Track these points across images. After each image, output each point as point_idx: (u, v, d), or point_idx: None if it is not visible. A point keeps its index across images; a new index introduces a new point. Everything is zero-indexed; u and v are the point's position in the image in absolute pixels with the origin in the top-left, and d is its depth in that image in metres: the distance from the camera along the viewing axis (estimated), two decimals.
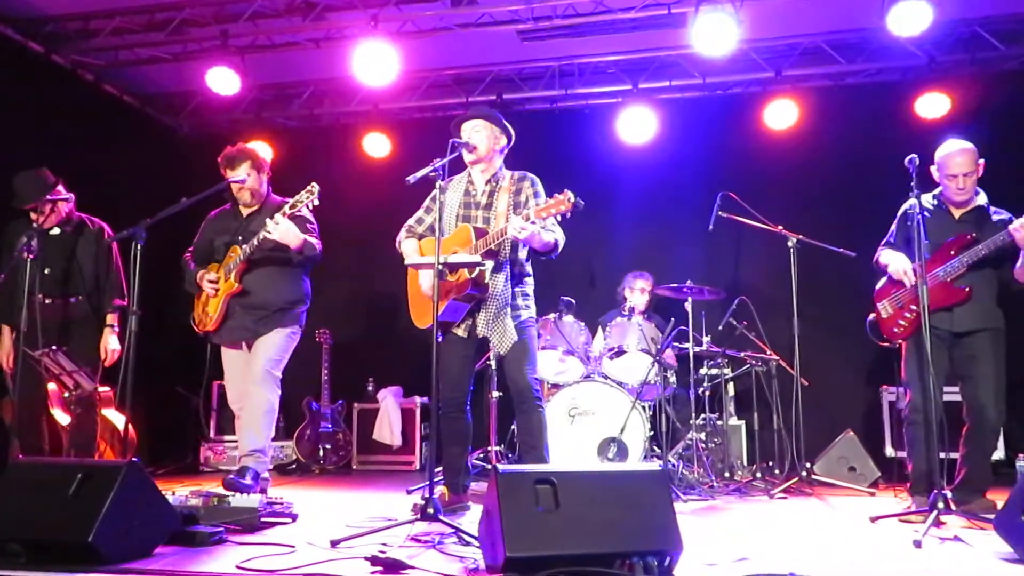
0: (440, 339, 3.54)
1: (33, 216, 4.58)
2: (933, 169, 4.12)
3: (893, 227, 4.31)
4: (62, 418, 4.62)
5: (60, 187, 4.66)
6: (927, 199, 4.17)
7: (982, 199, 4.11)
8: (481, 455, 5.66)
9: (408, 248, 4.10)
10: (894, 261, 4.14)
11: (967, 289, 3.96)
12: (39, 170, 4.61)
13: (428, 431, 6.64)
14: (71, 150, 4.77)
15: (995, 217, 4.07)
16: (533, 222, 3.51)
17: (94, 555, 2.56)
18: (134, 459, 2.84)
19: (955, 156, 4.01)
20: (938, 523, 3.33)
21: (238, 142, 4.51)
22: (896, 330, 4.16)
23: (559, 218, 3.49)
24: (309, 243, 4.22)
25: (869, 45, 6.29)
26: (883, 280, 4.27)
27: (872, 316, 4.29)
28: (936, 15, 5.31)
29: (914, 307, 4.03)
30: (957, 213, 4.12)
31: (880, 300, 4.24)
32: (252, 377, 4.25)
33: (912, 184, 3.77)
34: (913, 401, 4.06)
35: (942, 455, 3.75)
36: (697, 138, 6.73)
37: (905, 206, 4.19)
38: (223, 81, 6.18)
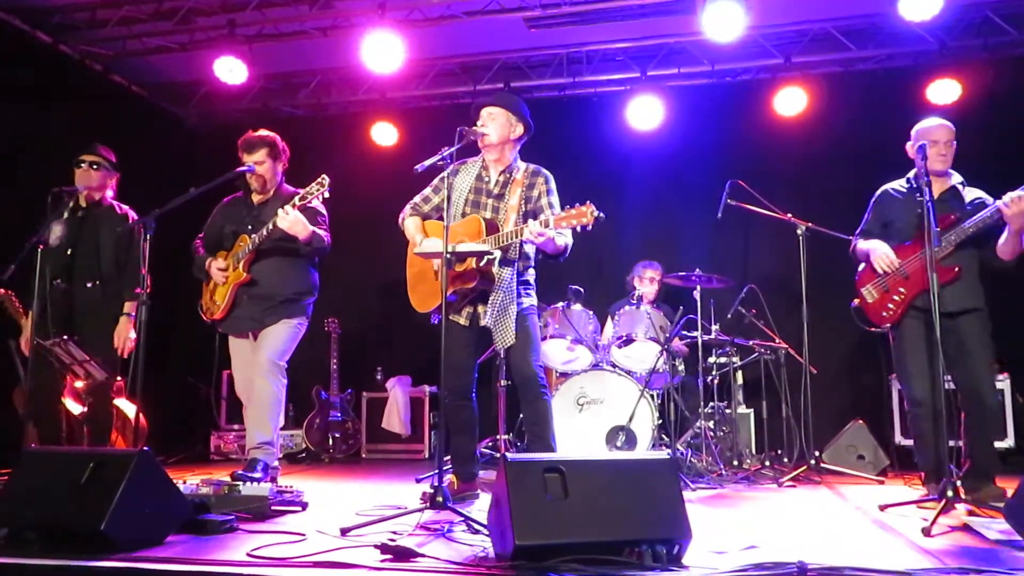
0: (435, 321, 3.52)
1: (77, 174, 4.58)
2: (909, 145, 4.09)
3: (867, 215, 4.27)
4: (74, 407, 4.64)
5: (112, 182, 4.73)
6: (900, 184, 4.15)
7: (957, 178, 4.08)
8: (490, 444, 5.68)
9: (411, 226, 4.03)
10: (876, 249, 4.09)
11: (956, 268, 3.92)
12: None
13: (437, 420, 6.67)
14: (79, 140, 4.77)
15: (969, 196, 4.03)
16: (552, 228, 3.50)
17: (106, 543, 2.57)
18: (145, 448, 2.85)
19: (936, 128, 4.03)
20: (948, 511, 3.32)
21: (247, 131, 4.49)
22: (884, 314, 4.10)
23: (579, 229, 3.45)
24: (317, 235, 4.22)
25: (879, 31, 6.24)
26: (863, 265, 4.23)
27: (856, 302, 4.23)
28: None
29: (903, 289, 4.00)
30: (935, 192, 4.03)
31: (863, 286, 4.19)
32: (257, 367, 4.25)
33: (924, 171, 3.73)
34: (912, 393, 4.00)
35: (951, 443, 3.74)
36: (706, 126, 6.70)
37: (878, 192, 4.21)
38: (230, 70, 6.18)
